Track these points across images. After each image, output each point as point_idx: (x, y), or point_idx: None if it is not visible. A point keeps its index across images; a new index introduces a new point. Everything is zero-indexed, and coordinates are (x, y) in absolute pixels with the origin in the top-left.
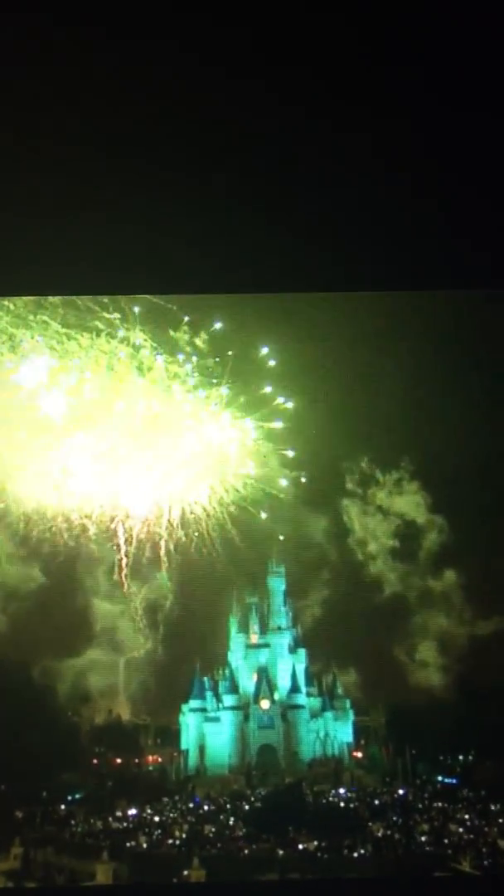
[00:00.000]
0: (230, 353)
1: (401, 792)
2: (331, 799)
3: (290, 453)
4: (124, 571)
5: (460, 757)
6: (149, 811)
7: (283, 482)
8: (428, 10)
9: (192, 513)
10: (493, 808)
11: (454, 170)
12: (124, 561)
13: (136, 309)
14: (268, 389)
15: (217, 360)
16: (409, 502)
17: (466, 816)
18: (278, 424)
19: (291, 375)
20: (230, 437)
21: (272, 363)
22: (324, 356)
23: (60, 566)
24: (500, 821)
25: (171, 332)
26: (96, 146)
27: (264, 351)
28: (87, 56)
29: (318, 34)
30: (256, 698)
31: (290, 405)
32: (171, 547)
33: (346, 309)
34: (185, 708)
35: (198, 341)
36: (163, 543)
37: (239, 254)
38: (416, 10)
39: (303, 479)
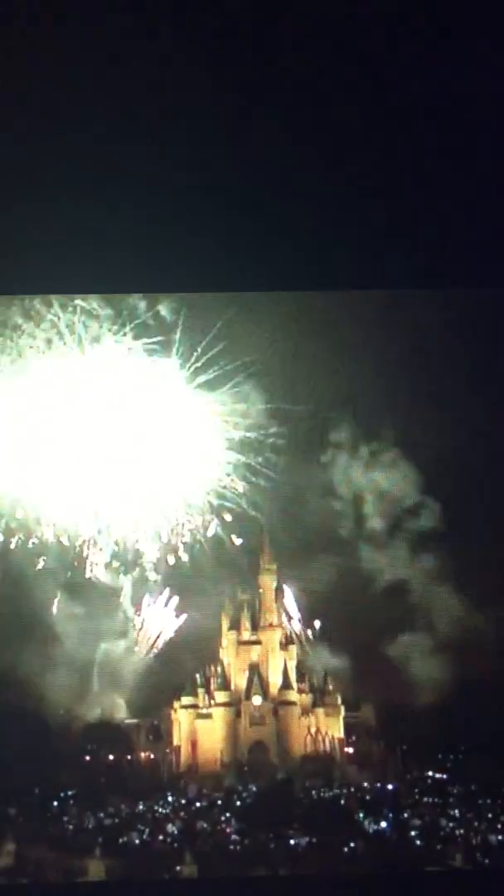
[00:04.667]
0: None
1: (391, 787)
2: (322, 794)
3: (272, 437)
4: (102, 565)
5: (451, 754)
6: (141, 807)
7: (267, 467)
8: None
9: (182, 505)
10: (484, 803)
11: (451, 168)
12: (108, 554)
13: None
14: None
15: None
16: (399, 482)
17: (457, 812)
18: (259, 407)
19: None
20: (203, 420)
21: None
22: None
23: (36, 559)
24: (491, 815)
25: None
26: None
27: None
28: (87, 57)
29: (319, 36)
30: (248, 695)
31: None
32: (158, 540)
33: (344, 305)
34: (176, 705)
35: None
36: (147, 537)
37: (230, 253)
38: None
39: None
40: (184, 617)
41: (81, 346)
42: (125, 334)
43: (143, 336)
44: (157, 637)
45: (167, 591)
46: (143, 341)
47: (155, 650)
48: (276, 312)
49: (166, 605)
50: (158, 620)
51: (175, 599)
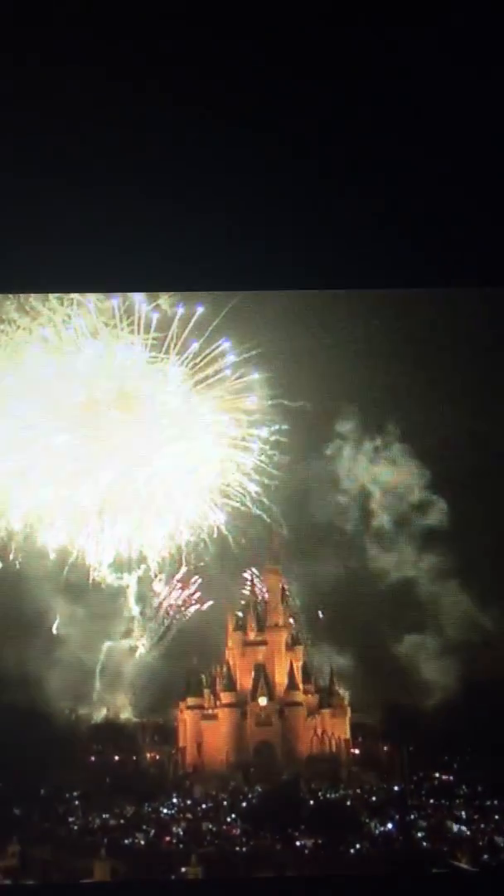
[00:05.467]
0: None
1: (397, 789)
2: (328, 796)
3: (280, 436)
4: (106, 565)
5: (458, 755)
6: (146, 808)
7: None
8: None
9: (185, 504)
10: (491, 804)
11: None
12: (111, 554)
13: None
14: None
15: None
16: (405, 478)
17: (463, 813)
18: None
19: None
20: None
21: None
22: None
23: (39, 560)
24: (497, 817)
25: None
26: (94, 148)
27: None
28: (88, 57)
29: (320, 38)
30: (254, 695)
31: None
32: (161, 540)
33: (349, 305)
34: (182, 705)
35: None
36: (151, 536)
37: (233, 253)
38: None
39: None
40: (189, 614)
41: (78, 341)
42: (123, 329)
43: (141, 331)
44: (165, 633)
45: (173, 586)
46: (141, 336)
47: (160, 647)
48: (277, 310)
49: (173, 602)
50: (165, 616)
51: (183, 595)
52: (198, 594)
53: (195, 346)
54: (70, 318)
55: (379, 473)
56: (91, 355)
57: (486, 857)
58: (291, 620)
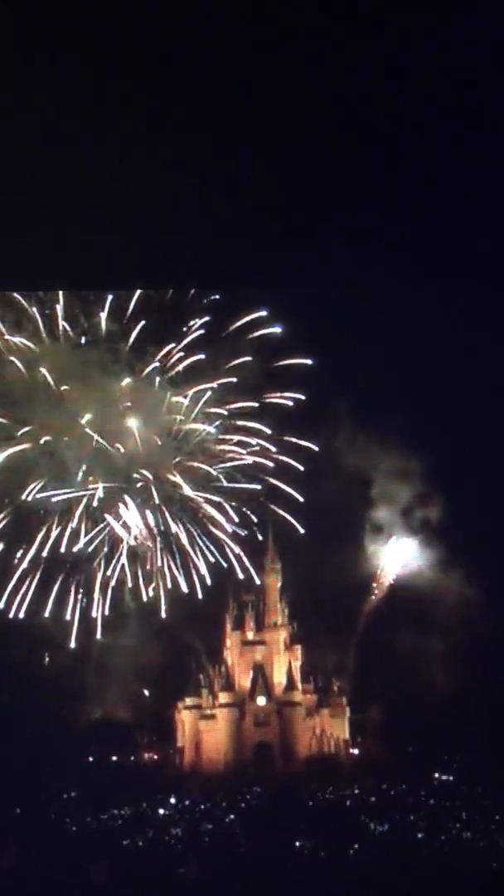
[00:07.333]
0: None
1: (397, 789)
2: (327, 796)
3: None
4: (101, 561)
5: (458, 755)
6: (145, 809)
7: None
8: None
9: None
10: (491, 805)
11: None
12: (106, 553)
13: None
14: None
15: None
16: (404, 474)
17: (464, 814)
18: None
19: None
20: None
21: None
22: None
23: (35, 557)
24: (498, 817)
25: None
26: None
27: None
28: (87, 52)
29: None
30: (252, 695)
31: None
32: (157, 538)
33: (349, 299)
34: (180, 705)
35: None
36: (147, 534)
37: (232, 250)
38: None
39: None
40: (187, 612)
41: (56, 333)
42: (98, 317)
43: (122, 320)
44: (162, 631)
45: (171, 585)
46: (119, 326)
47: (157, 646)
48: (269, 303)
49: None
50: (162, 614)
51: (180, 594)
52: (196, 593)
53: (188, 339)
54: (44, 302)
55: (379, 468)
56: (67, 345)
57: (486, 858)
58: (290, 620)
